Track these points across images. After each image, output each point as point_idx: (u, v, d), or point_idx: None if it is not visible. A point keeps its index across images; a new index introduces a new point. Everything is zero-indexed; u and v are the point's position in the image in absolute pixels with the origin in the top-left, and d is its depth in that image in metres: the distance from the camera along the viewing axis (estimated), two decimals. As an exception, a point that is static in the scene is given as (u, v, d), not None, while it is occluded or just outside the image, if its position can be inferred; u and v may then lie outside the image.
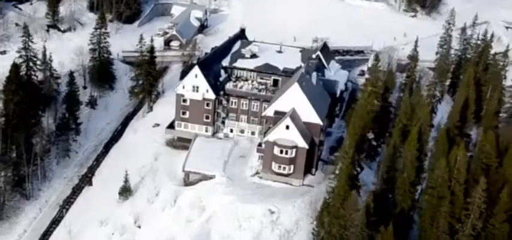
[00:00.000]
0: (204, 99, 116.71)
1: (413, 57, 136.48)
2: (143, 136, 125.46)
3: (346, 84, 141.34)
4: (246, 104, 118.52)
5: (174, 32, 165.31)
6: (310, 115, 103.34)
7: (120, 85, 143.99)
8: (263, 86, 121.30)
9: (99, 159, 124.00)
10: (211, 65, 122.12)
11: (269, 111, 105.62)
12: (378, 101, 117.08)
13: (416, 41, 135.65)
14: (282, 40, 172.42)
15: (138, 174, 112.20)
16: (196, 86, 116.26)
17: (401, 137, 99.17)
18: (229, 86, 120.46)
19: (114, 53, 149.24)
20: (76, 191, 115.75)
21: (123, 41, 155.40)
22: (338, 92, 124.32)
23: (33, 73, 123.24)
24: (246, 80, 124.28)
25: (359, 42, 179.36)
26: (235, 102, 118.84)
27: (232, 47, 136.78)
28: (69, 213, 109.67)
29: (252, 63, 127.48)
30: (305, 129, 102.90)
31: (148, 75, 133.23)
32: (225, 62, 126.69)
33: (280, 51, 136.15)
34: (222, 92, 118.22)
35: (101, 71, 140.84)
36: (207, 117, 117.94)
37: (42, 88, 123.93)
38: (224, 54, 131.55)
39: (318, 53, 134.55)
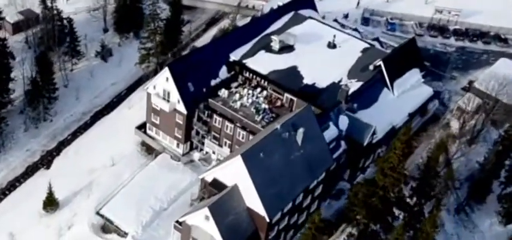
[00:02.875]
0: (174, 110, 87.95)
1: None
2: (132, 117, 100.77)
3: (423, 107, 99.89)
4: (230, 128, 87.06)
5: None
6: (255, 203, 69.96)
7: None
8: (264, 107, 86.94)
9: (77, 133, 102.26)
10: (207, 59, 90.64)
11: (209, 176, 74.11)
12: (404, 184, 78.59)
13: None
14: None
15: (81, 181, 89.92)
16: (167, 91, 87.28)
17: None
18: (222, 94, 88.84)
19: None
20: (29, 172, 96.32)
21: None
22: (367, 140, 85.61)
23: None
24: (256, 87, 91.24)
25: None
26: (218, 120, 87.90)
27: (274, 22, 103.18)
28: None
29: (271, 63, 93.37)
30: (244, 219, 70.27)
31: (160, 44, 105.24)
32: (236, 55, 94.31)
33: (333, 46, 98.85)
34: (202, 105, 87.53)
35: (125, 14, 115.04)
36: (179, 132, 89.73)
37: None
38: (252, 33, 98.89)
39: (380, 62, 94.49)
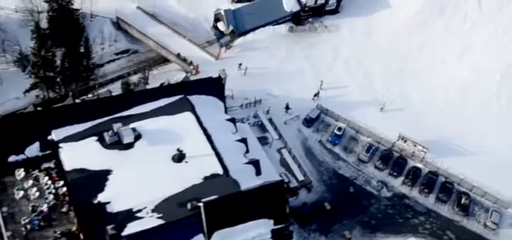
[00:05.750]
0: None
1: None
2: None
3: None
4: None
5: (221, 11, 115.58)
6: None
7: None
8: (42, 209, 77.24)
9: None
10: (15, 130, 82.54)
11: None
12: None
13: None
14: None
15: None
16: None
17: None
18: (18, 174, 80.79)
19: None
20: None
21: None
22: None
23: None
24: (62, 178, 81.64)
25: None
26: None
27: (149, 101, 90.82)
28: None
29: (87, 158, 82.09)
30: None
31: (46, 79, 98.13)
32: (60, 134, 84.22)
33: (178, 159, 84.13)
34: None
35: (57, 26, 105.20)
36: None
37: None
38: (107, 110, 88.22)
39: (201, 204, 78.25)
